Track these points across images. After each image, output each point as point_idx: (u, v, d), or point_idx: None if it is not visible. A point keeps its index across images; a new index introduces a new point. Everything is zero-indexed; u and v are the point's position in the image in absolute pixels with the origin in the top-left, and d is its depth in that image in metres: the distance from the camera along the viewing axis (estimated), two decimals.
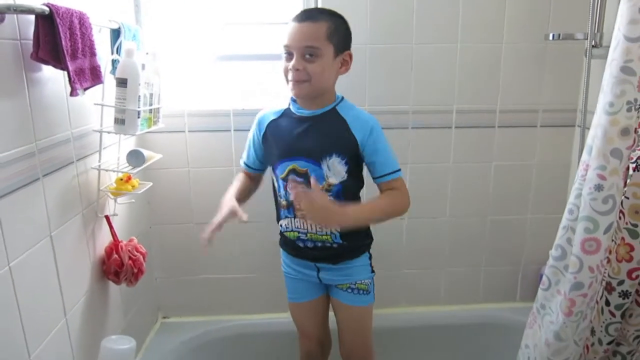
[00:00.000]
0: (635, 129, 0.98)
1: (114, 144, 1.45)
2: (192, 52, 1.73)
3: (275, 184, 1.37)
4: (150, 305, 1.84)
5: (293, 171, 1.30)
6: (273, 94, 1.80)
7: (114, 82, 1.25)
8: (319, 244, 1.35)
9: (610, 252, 1.14)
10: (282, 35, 1.26)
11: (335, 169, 1.28)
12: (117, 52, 1.32)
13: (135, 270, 1.40)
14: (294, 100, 1.33)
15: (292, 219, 1.35)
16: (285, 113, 1.34)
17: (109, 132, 1.27)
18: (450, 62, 1.72)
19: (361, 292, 1.39)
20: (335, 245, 1.34)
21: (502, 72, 1.74)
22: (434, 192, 1.85)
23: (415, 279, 1.95)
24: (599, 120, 0.99)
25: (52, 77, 1.11)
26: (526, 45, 1.72)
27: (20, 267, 0.99)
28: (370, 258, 1.42)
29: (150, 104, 1.34)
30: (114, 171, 1.34)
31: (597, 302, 1.19)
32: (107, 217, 1.37)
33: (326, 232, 1.32)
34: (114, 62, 1.31)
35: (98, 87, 1.22)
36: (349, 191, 1.31)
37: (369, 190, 1.39)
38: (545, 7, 1.69)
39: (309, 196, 1.17)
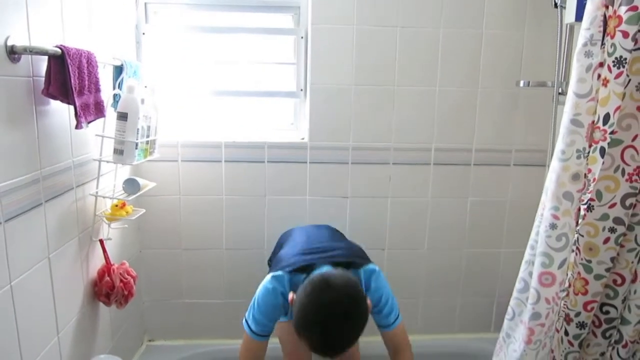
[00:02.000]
0: (585, 174, 1.10)
1: (111, 171, 1.53)
2: (187, 86, 1.84)
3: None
4: (137, 327, 1.89)
5: None
6: (263, 129, 1.91)
7: (113, 115, 1.35)
8: None
9: (569, 286, 1.25)
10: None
11: None
12: (118, 87, 1.42)
13: (126, 293, 1.46)
14: None
15: None
16: None
17: (107, 162, 1.36)
18: (430, 104, 1.85)
19: None
20: None
21: (477, 114, 1.87)
22: (413, 225, 1.95)
23: None
24: (553, 166, 1.10)
25: (58, 110, 1.20)
26: (500, 90, 1.86)
27: (20, 286, 1.05)
28: None
29: (148, 136, 1.43)
30: (110, 198, 1.42)
31: (557, 331, 1.28)
32: (101, 241, 1.44)
33: None
34: (115, 97, 1.41)
35: (99, 122, 1.32)
36: None
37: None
38: (518, 57, 1.84)
39: None
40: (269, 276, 1.37)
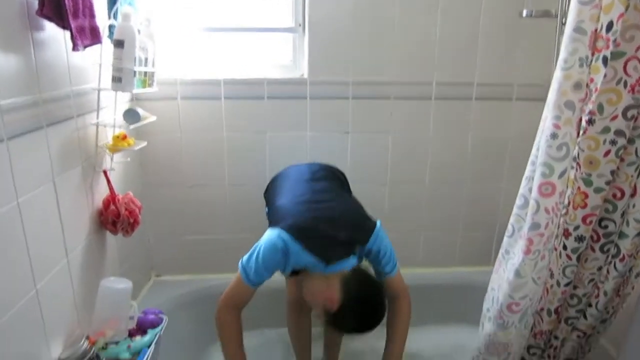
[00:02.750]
0: (587, 83, 1.09)
1: (110, 105, 1.52)
2: (185, 22, 1.81)
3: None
4: (144, 263, 1.94)
5: None
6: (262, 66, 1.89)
7: (110, 46, 1.34)
8: None
9: (568, 204, 1.26)
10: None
11: None
12: (113, 17, 1.40)
13: (132, 221, 1.49)
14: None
15: None
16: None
17: (106, 90, 1.35)
18: (431, 37, 1.82)
19: None
20: None
21: (479, 47, 1.85)
22: (415, 160, 1.96)
23: (394, 242, 2.05)
24: (555, 76, 1.09)
25: (54, 37, 1.19)
26: (503, 22, 1.83)
27: (27, 204, 1.07)
28: None
29: (145, 66, 1.42)
30: (111, 127, 1.42)
31: (555, 248, 1.31)
32: (104, 172, 1.46)
33: None
34: (111, 27, 1.39)
35: (96, 50, 1.31)
36: None
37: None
38: None
39: None
40: (276, 232, 1.34)
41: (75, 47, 1.13)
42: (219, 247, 2.00)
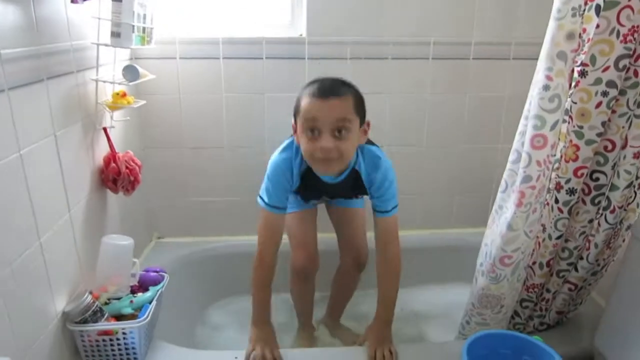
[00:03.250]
0: (580, 33, 1.10)
1: (109, 63, 1.53)
2: None
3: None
4: (145, 224, 1.98)
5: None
6: (262, 24, 1.88)
7: (108, 0, 1.34)
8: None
9: (560, 158, 1.28)
10: (301, 113, 1.23)
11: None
12: None
13: (132, 179, 1.52)
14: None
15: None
16: (309, 171, 1.36)
17: (105, 45, 1.36)
18: None
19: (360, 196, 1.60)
20: None
21: (477, 5, 1.83)
22: (412, 121, 1.97)
23: None
24: (549, 26, 1.10)
25: None
26: None
27: (29, 155, 1.09)
28: None
29: (144, 23, 1.43)
30: (110, 83, 1.44)
31: (547, 202, 1.33)
32: (104, 129, 1.48)
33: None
34: None
35: (94, 4, 1.31)
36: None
37: None
38: None
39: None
40: (278, 149, 1.41)
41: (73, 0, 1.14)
42: (220, 210, 2.03)
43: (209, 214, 2.04)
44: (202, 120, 1.89)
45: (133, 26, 1.34)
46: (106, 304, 1.34)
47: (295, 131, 1.32)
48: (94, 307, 1.27)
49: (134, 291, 1.43)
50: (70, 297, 1.30)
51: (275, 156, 1.40)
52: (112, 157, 1.49)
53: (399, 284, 1.45)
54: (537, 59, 1.88)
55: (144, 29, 1.44)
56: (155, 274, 1.51)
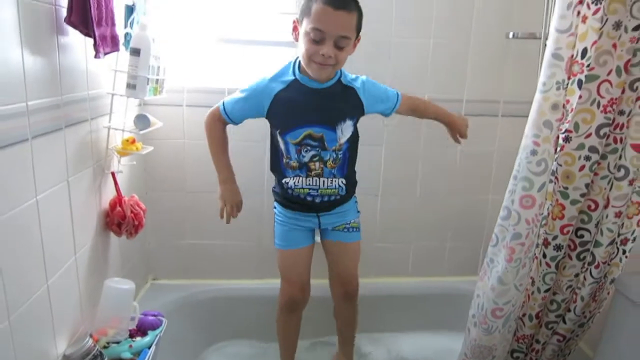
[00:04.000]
0: (564, 104, 1.20)
1: (120, 111, 1.60)
2: (192, 34, 1.90)
3: (283, 147, 1.53)
4: (142, 266, 2.00)
5: (309, 136, 1.49)
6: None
7: (124, 53, 1.42)
8: (326, 198, 1.56)
9: (548, 215, 1.36)
10: (311, 17, 1.32)
11: (346, 131, 1.52)
12: (130, 26, 1.49)
13: (136, 223, 1.56)
14: (300, 73, 1.47)
15: (305, 178, 1.53)
16: (293, 84, 1.47)
17: (120, 95, 1.43)
18: (424, 55, 1.93)
19: (354, 229, 1.64)
20: (339, 197, 1.57)
21: (469, 66, 1.96)
22: (406, 172, 2.06)
23: (386, 251, 2.15)
24: (535, 98, 1.20)
25: (76, 43, 1.27)
26: (491, 42, 1.95)
27: (44, 201, 1.14)
28: (356, 201, 1.67)
29: (157, 75, 1.51)
30: (122, 130, 1.50)
31: (536, 257, 1.40)
32: (112, 174, 1.53)
33: (334, 186, 1.55)
34: (127, 35, 1.48)
35: (111, 56, 1.39)
36: (353, 145, 1.57)
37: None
38: (508, 9, 1.92)
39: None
40: None
41: (97, 55, 1.22)
42: (216, 253, 2.07)
43: (204, 256, 2.07)
44: (204, 165, 1.95)
45: (148, 78, 1.42)
46: (105, 347, 1.36)
47: (295, 29, 1.43)
48: (94, 351, 1.29)
49: (132, 335, 1.45)
50: (70, 340, 1.31)
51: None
52: (118, 201, 1.53)
53: None
54: (523, 116, 2.01)
55: (156, 80, 1.52)
56: (153, 317, 1.54)
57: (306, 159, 1.50)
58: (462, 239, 2.17)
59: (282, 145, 1.54)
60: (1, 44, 0.97)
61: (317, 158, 1.51)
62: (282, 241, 1.65)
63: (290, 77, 1.49)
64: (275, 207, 1.68)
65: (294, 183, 1.55)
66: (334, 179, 1.54)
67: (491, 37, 1.94)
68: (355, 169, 1.83)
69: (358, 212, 1.68)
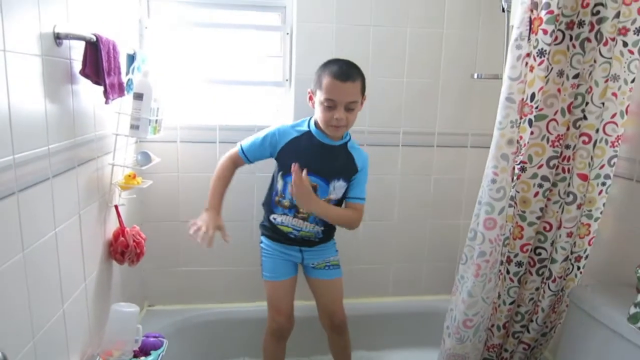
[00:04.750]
0: (517, 140, 1.39)
1: (122, 149, 1.74)
2: (185, 75, 2.07)
3: (280, 187, 1.71)
4: (138, 293, 2.11)
5: None
6: (254, 114, 2.15)
7: (127, 96, 1.57)
8: (306, 238, 1.74)
9: (510, 235, 1.54)
10: (323, 89, 1.56)
11: (338, 190, 1.71)
12: (131, 73, 1.64)
13: (138, 252, 1.68)
14: (316, 128, 1.67)
15: (292, 218, 1.71)
16: (306, 135, 1.68)
17: (125, 136, 1.58)
18: (398, 93, 2.13)
19: (334, 267, 1.80)
20: (317, 240, 1.75)
21: (439, 102, 2.17)
22: (385, 199, 2.23)
23: (367, 273, 2.30)
24: (494, 134, 1.39)
25: (85, 91, 1.42)
26: (458, 81, 2.16)
27: (61, 233, 1.27)
28: (335, 243, 1.84)
29: (157, 115, 1.66)
30: (126, 167, 1.64)
31: (501, 273, 1.57)
32: (116, 207, 1.66)
33: (314, 232, 1.72)
34: (129, 81, 1.63)
35: (117, 102, 1.54)
36: (339, 204, 1.74)
37: None
38: (473, 53, 2.15)
39: (304, 183, 1.56)
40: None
41: (107, 101, 1.36)
42: (209, 279, 2.19)
43: (198, 283, 2.19)
44: (197, 196, 2.07)
45: (149, 120, 1.57)
46: None
47: (310, 98, 1.66)
48: None
49: (135, 355, 1.56)
50: None
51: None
52: (121, 231, 1.66)
53: (347, 223, 1.73)
54: (489, 147, 2.23)
55: (156, 120, 1.67)
56: (154, 339, 1.65)
57: (293, 178, 1.67)
58: (438, 260, 2.34)
59: (280, 185, 1.72)
60: (30, 95, 1.11)
61: None
62: (269, 273, 1.79)
63: (305, 129, 1.69)
64: (262, 242, 1.83)
65: (281, 220, 1.73)
66: (315, 226, 1.73)
67: (458, 77, 2.16)
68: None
69: (336, 251, 1.85)
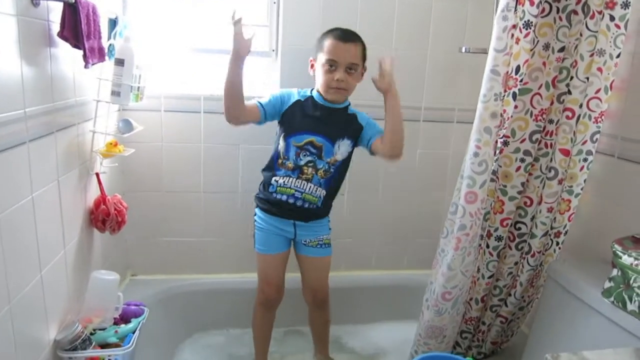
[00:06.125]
0: (501, 113, 1.39)
1: (103, 116, 1.71)
2: (169, 43, 2.03)
3: (283, 149, 1.71)
4: (121, 262, 2.10)
5: (310, 143, 1.68)
6: None
7: (107, 63, 1.54)
8: (306, 205, 1.70)
9: (490, 209, 1.55)
10: (325, 50, 1.60)
11: (343, 149, 1.71)
12: (113, 38, 1.61)
13: (119, 220, 1.67)
14: (318, 93, 1.70)
15: (295, 179, 1.69)
16: (309, 99, 1.72)
17: (106, 102, 1.55)
18: None
19: (325, 245, 1.80)
20: (315, 207, 1.72)
21: (426, 77, 2.15)
22: (369, 173, 2.23)
23: (352, 246, 2.31)
24: (477, 107, 1.39)
25: (65, 55, 1.39)
26: (446, 56, 2.14)
27: (38, 198, 1.25)
28: (329, 220, 1.83)
29: (139, 83, 1.63)
30: (107, 134, 1.62)
31: (481, 247, 1.59)
32: (97, 174, 1.64)
33: (317, 195, 1.71)
34: (110, 46, 1.59)
35: (96, 66, 1.50)
36: (344, 167, 1.74)
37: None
38: (462, 27, 2.13)
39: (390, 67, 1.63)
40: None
41: (86, 65, 1.33)
42: (192, 250, 2.19)
43: (181, 253, 2.19)
44: (181, 167, 2.08)
45: (131, 86, 1.54)
46: (92, 334, 1.47)
47: (312, 66, 1.71)
48: (83, 336, 1.40)
49: (115, 322, 1.56)
50: (60, 327, 1.42)
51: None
52: (102, 199, 1.64)
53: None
54: None
55: (138, 87, 1.64)
56: (135, 307, 1.66)
57: (302, 163, 1.68)
58: (421, 236, 2.36)
59: (282, 147, 1.71)
60: (5, 56, 1.08)
61: (311, 164, 1.68)
62: (261, 246, 1.79)
63: (308, 94, 1.73)
64: (255, 214, 1.82)
65: (283, 182, 1.70)
66: (318, 188, 1.71)
67: (446, 51, 2.14)
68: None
69: (330, 229, 1.84)
